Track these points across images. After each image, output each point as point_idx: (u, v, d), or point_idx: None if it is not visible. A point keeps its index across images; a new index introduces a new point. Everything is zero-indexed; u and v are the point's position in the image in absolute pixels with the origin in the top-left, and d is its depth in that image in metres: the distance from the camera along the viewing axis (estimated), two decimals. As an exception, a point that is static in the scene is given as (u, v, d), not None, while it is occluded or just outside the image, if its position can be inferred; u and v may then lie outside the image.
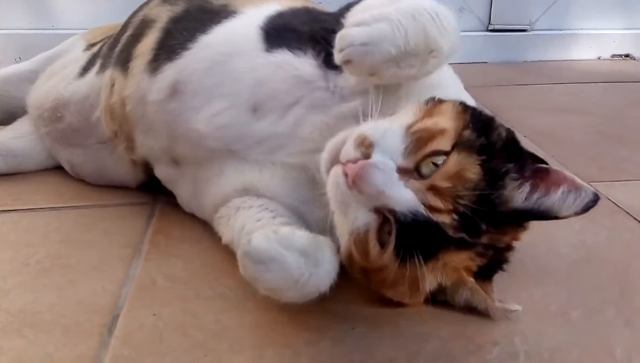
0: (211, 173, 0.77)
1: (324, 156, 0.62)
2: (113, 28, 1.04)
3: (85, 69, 0.98)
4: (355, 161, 0.57)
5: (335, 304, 0.62)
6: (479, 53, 2.12)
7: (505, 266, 0.66)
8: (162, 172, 0.86)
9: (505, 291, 0.67)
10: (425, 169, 0.58)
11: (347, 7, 0.75)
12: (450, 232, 0.57)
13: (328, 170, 0.61)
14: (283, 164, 0.73)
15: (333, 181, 0.60)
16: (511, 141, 0.63)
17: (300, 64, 0.72)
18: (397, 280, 0.60)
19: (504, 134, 0.63)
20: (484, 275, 0.64)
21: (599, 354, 0.61)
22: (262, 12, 0.81)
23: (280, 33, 0.76)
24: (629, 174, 1.09)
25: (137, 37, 0.88)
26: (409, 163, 0.58)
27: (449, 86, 0.73)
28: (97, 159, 0.96)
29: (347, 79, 0.70)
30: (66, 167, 1.03)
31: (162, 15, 0.88)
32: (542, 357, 0.60)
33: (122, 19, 1.03)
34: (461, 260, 0.60)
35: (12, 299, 0.69)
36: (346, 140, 0.60)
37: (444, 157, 0.58)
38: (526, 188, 0.60)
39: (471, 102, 0.71)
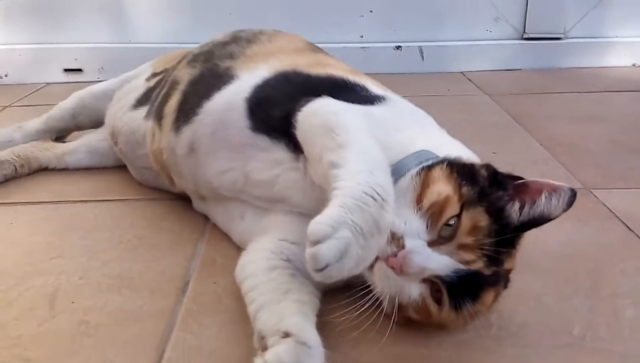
0: (234, 213, 0.94)
1: None
2: (174, 58, 1.20)
3: (139, 102, 1.15)
4: (395, 255, 0.67)
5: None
6: (514, 60, 2.23)
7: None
8: (196, 206, 1.06)
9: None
10: (444, 232, 0.68)
11: (298, 108, 0.80)
12: (486, 272, 0.68)
13: (369, 267, 0.68)
14: (286, 211, 0.85)
15: (382, 274, 0.68)
16: (492, 173, 0.73)
17: (276, 148, 0.83)
18: (456, 324, 0.71)
19: (485, 173, 0.73)
20: None
21: (559, 330, 0.76)
22: (251, 80, 0.91)
23: (260, 111, 0.86)
24: (631, 183, 1.19)
25: (167, 96, 1.03)
26: (434, 235, 0.69)
27: (417, 142, 0.79)
28: (149, 177, 1.16)
29: None
30: None
31: (184, 77, 1.02)
32: (510, 329, 0.76)
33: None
34: (492, 295, 0.70)
35: (112, 267, 0.92)
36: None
37: (456, 217, 0.68)
38: (516, 205, 0.70)
39: (442, 139, 0.83)
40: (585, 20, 2.22)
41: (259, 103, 0.87)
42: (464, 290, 0.68)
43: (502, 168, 1.01)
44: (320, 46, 1.17)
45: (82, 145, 1.31)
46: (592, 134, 1.49)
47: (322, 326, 0.73)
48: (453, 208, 0.68)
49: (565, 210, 0.69)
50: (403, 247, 0.67)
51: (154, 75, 1.23)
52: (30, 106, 1.84)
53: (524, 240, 0.74)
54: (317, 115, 0.78)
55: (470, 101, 1.85)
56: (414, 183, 0.71)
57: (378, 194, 0.63)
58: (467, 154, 0.79)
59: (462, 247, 0.68)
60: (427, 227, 0.69)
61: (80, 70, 2.12)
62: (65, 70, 2.12)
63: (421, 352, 0.73)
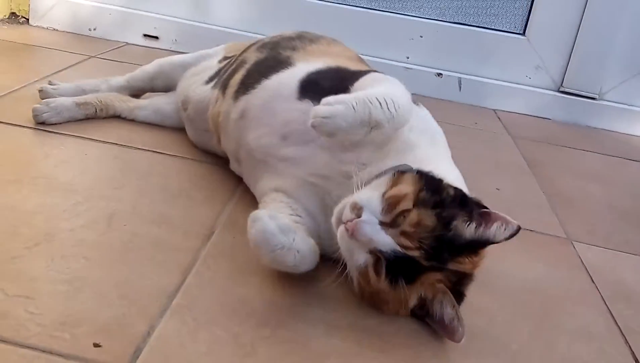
0: (257, 175, 1.11)
1: (333, 218, 0.88)
2: (242, 47, 1.40)
3: (211, 79, 1.36)
4: (352, 220, 0.83)
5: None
6: (546, 110, 2.34)
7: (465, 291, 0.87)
8: (232, 166, 1.26)
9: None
10: (398, 221, 0.83)
11: (357, 78, 1.05)
12: (424, 262, 0.82)
13: (336, 228, 0.87)
14: (302, 178, 1.01)
15: (340, 235, 0.85)
16: (460, 195, 0.88)
17: None
18: (392, 299, 0.85)
19: (452, 192, 0.87)
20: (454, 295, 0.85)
21: (502, 342, 0.92)
22: (307, 68, 1.09)
23: (311, 87, 1.04)
24: (610, 244, 1.31)
25: (234, 71, 1.23)
26: (387, 219, 0.84)
27: (420, 147, 0.97)
28: (205, 139, 1.37)
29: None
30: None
31: (252, 58, 1.22)
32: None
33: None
34: (435, 278, 0.84)
35: (157, 206, 1.15)
36: (345, 206, 0.87)
37: (408, 212, 0.83)
38: (473, 225, 0.84)
39: (441, 159, 0.99)
40: (623, 86, 2.33)
41: (310, 82, 1.07)
42: (400, 270, 0.82)
43: (501, 204, 1.16)
44: (366, 58, 1.37)
45: (152, 104, 1.55)
46: (593, 194, 1.61)
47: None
48: (407, 203, 0.84)
49: (506, 239, 0.85)
50: (359, 217, 0.84)
51: (225, 58, 1.45)
52: (111, 61, 2.10)
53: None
54: (369, 78, 1.04)
55: (493, 138, 2.01)
56: (388, 180, 0.88)
57: (387, 104, 0.88)
58: (453, 177, 0.95)
59: (404, 234, 0.82)
60: (383, 210, 0.84)
61: (157, 37, 2.36)
62: (145, 35, 2.37)
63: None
